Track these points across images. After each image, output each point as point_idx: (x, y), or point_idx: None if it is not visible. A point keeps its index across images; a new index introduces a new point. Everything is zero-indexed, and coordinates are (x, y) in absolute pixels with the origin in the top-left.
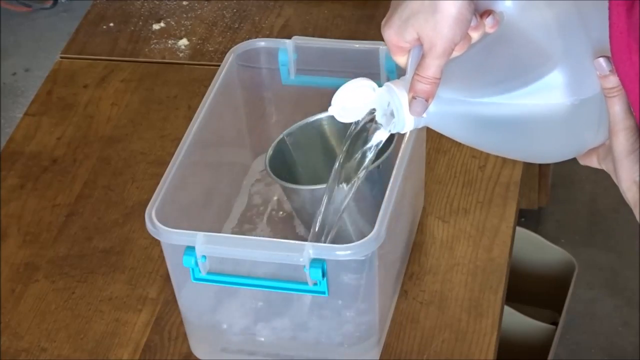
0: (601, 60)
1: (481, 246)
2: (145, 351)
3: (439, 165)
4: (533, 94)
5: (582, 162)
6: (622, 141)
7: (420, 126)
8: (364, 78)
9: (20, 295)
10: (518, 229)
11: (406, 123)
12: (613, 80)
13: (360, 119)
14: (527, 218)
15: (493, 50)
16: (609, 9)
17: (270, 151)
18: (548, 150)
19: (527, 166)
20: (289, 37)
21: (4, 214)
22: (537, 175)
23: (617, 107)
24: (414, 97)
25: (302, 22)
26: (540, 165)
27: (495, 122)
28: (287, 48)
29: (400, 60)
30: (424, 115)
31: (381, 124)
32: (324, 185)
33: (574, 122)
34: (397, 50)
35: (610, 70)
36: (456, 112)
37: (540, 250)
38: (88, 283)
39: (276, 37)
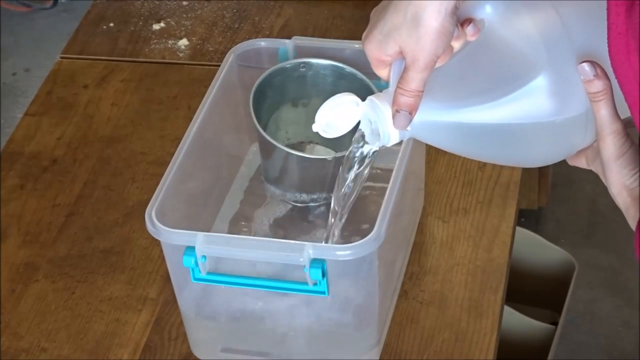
0: (585, 65)
1: (481, 246)
2: (145, 351)
3: (439, 165)
4: (518, 102)
5: (571, 163)
6: (610, 145)
7: (406, 138)
8: (347, 93)
9: (20, 295)
10: (518, 229)
11: (391, 137)
12: (598, 85)
13: (344, 133)
14: (527, 218)
15: (475, 58)
16: (607, 9)
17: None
18: (536, 156)
19: None
20: (289, 37)
21: (4, 214)
22: (537, 175)
23: (604, 111)
24: (397, 111)
25: (302, 22)
26: None
27: (481, 131)
28: (287, 48)
29: (382, 73)
30: (408, 128)
31: (367, 139)
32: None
33: (561, 129)
34: (378, 63)
35: (594, 75)
36: (441, 123)
37: (540, 250)
38: (88, 283)
39: (276, 37)
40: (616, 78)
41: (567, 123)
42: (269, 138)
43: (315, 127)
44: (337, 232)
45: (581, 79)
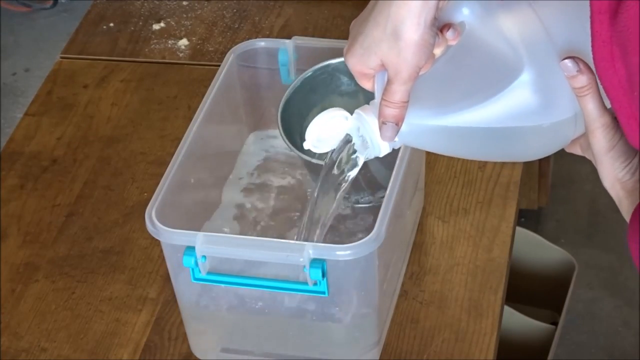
0: (567, 61)
1: (481, 246)
2: (145, 351)
3: (439, 165)
4: (503, 102)
5: (568, 150)
6: (599, 139)
7: (397, 147)
8: (336, 108)
9: (20, 295)
10: (518, 229)
11: (381, 148)
12: (582, 80)
13: (332, 148)
14: (527, 218)
15: (458, 61)
16: (591, 18)
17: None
18: (528, 153)
19: (527, 166)
20: (289, 37)
21: (4, 214)
22: (537, 175)
23: (590, 106)
24: (383, 123)
25: (302, 22)
26: (540, 165)
27: (470, 134)
28: (287, 48)
29: (367, 85)
30: (396, 139)
31: (358, 150)
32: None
33: (551, 130)
34: (361, 76)
35: (577, 70)
36: (429, 129)
37: (540, 250)
38: (88, 283)
39: (276, 37)
40: (602, 85)
41: (555, 126)
42: (288, 143)
43: (306, 145)
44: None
45: (564, 75)
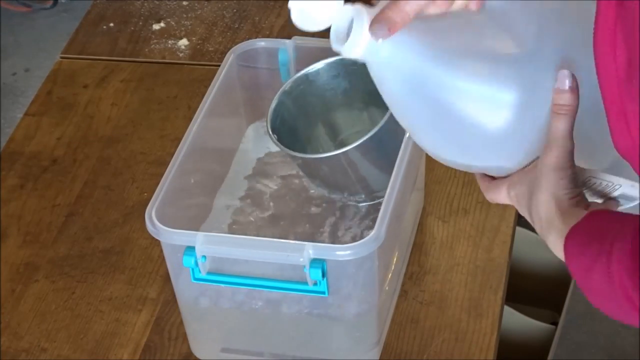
0: (565, 72)
1: (481, 246)
2: (145, 351)
3: (439, 165)
4: (488, 79)
5: (489, 196)
6: (555, 155)
7: (368, 58)
8: None
9: (20, 295)
10: (518, 229)
11: (354, 48)
12: (568, 98)
13: (317, 29)
14: None
15: (465, 30)
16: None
17: (269, 116)
18: (469, 150)
19: None
20: (289, 37)
21: (4, 214)
22: None
23: (562, 126)
24: (378, 22)
25: None
26: None
27: (435, 97)
28: (287, 48)
29: None
30: (379, 41)
31: (333, 40)
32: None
33: (513, 132)
34: None
35: (569, 87)
36: (408, 65)
37: (540, 250)
38: (88, 283)
39: (276, 37)
40: (598, 75)
41: (524, 120)
42: (276, 141)
43: (290, 4)
44: None
45: (555, 86)
